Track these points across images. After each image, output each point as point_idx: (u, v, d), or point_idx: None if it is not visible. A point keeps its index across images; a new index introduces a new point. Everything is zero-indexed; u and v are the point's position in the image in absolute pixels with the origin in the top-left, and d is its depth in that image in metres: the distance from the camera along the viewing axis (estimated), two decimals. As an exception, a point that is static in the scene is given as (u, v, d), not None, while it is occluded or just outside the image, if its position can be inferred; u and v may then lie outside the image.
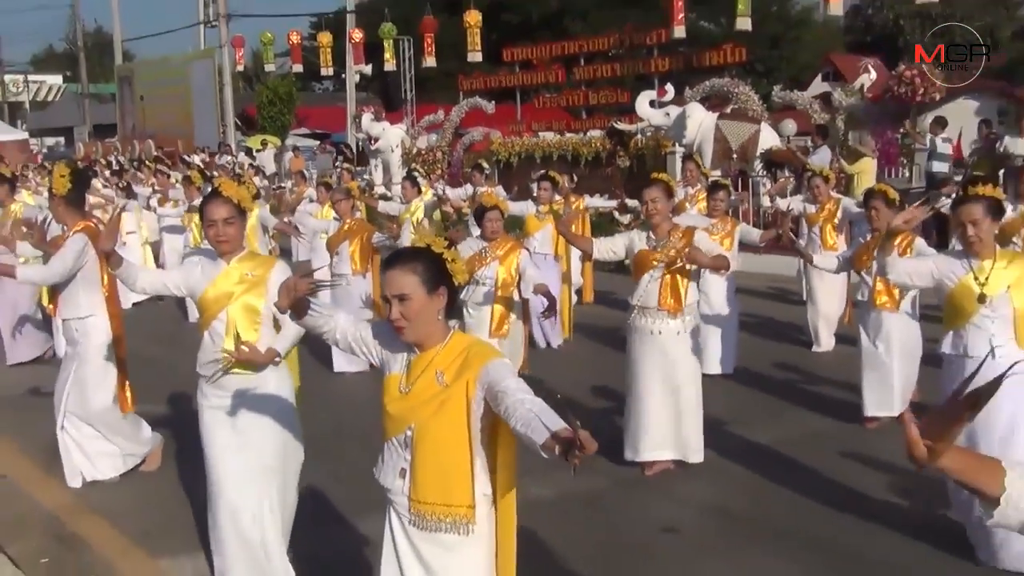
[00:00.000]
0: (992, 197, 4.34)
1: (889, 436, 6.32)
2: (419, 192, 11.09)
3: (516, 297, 6.45)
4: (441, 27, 24.32)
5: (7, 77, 47.19)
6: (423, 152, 19.81)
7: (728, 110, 14.74)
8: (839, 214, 8.47)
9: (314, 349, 8.17)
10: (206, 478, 4.33)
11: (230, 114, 32.09)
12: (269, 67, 32.14)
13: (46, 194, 8.76)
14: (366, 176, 20.36)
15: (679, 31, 17.07)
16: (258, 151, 27.44)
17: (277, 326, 4.25)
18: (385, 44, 25.68)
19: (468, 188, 12.32)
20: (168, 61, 35.98)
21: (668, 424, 5.68)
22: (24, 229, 6.98)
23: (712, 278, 7.57)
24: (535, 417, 2.42)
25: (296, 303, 2.98)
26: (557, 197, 9.76)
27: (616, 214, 12.53)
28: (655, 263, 5.55)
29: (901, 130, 14.80)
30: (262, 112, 32.32)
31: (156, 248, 12.60)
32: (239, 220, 4.18)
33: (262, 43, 31.63)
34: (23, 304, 9.11)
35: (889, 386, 6.43)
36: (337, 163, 23.09)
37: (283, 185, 18.82)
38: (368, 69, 27.76)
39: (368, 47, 26.94)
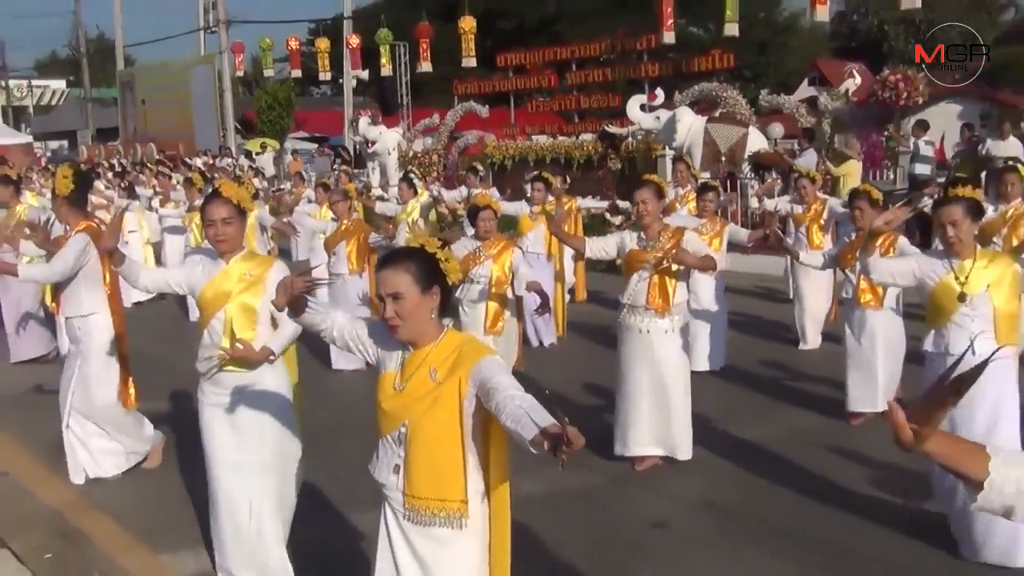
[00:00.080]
0: (971, 198, 4.34)
1: (873, 432, 6.34)
2: (415, 193, 11.08)
3: (510, 295, 6.46)
4: (436, 33, 24.33)
5: (12, 82, 47.03)
6: (419, 155, 19.79)
7: (717, 114, 14.75)
8: (825, 214, 8.48)
9: (312, 347, 8.15)
10: (207, 475, 4.33)
11: (230, 118, 32.09)
12: (268, 72, 32.10)
13: (49, 195, 8.77)
14: (363, 178, 20.34)
15: (669, 37, 17.08)
16: (257, 154, 27.40)
17: (275, 325, 4.24)
18: (382, 50, 25.69)
19: (463, 190, 12.29)
20: (169, 66, 35.93)
21: (656, 421, 5.68)
22: (27, 231, 6.98)
23: (701, 277, 7.57)
24: (524, 414, 2.42)
25: (293, 301, 2.98)
26: (550, 198, 9.76)
27: (607, 215, 12.53)
28: (644, 263, 5.55)
29: (885, 133, 14.84)
30: (261, 116, 32.32)
31: (157, 248, 12.57)
32: (238, 220, 4.17)
33: (261, 49, 31.58)
34: (26, 302, 9.09)
35: (873, 382, 6.45)
36: (335, 165, 23.08)
37: (282, 187, 18.78)
38: (365, 74, 27.78)
39: (365, 52, 26.93)
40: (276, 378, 4.25)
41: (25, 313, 9.12)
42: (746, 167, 13.82)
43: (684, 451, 5.75)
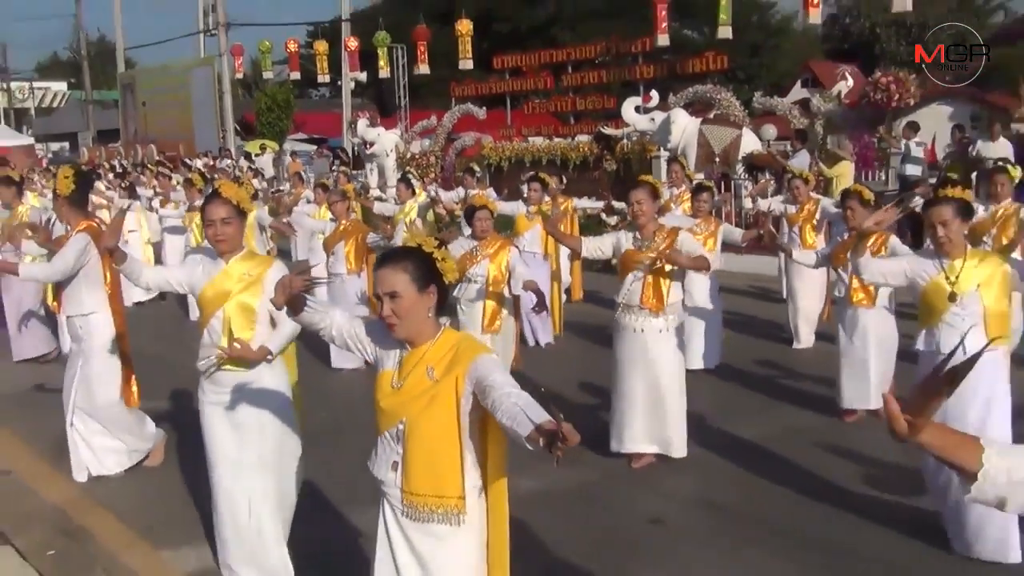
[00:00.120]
0: (961, 199, 4.34)
1: (866, 429, 6.36)
2: (413, 193, 11.08)
3: (507, 294, 6.46)
4: (434, 36, 24.31)
5: (13, 84, 46.97)
6: (417, 156, 19.76)
7: (711, 115, 14.74)
8: (818, 214, 8.49)
9: (313, 346, 8.15)
10: (208, 473, 4.33)
11: (229, 120, 32.03)
12: (267, 74, 32.05)
13: (51, 196, 8.75)
14: (361, 179, 20.32)
15: (663, 40, 17.08)
16: (257, 155, 27.39)
17: (275, 325, 4.24)
18: (380, 52, 25.66)
19: (460, 191, 12.29)
20: (169, 69, 35.87)
21: (651, 419, 5.68)
22: (29, 233, 6.98)
23: (696, 277, 7.57)
24: (520, 411, 2.42)
25: (292, 300, 2.98)
26: (546, 198, 9.77)
27: (603, 215, 12.53)
28: (639, 263, 5.55)
29: (877, 135, 14.85)
30: (261, 118, 32.27)
31: (158, 248, 12.56)
32: (237, 220, 4.17)
33: (260, 51, 31.54)
34: (27, 301, 9.08)
35: (866, 380, 6.46)
36: (334, 167, 23.05)
37: (281, 189, 18.77)
38: (363, 76, 27.75)
39: (363, 55, 26.90)
40: (275, 377, 4.24)
41: (27, 312, 9.11)
42: (740, 168, 13.83)
43: (678, 449, 5.75)
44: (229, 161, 25.39)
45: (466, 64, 21.62)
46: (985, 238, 7.07)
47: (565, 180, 13.22)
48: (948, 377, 1.83)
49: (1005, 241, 6.81)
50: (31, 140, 35.00)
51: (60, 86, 52.57)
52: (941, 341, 4.41)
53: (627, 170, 15.16)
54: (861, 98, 14.39)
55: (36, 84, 50.91)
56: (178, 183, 12.87)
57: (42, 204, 10.33)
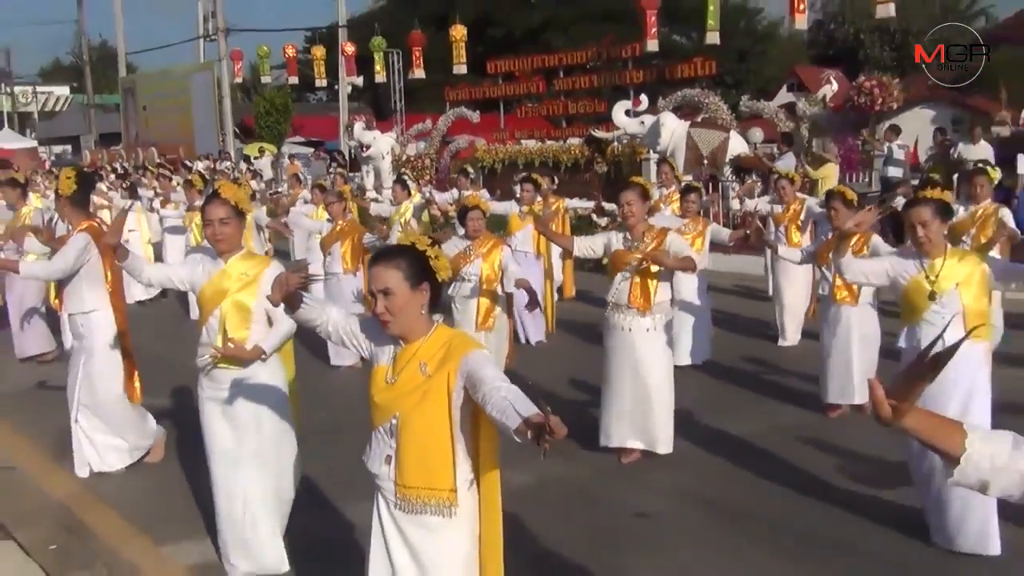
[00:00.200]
0: (940, 200, 4.35)
1: (850, 424, 6.38)
2: (408, 194, 11.06)
3: (500, 292, 6.46)
4: (429, 41, 24.32)
5: (17, 88, 46.73)
6: (412, 159, 19.74)
7: (699, 119, 14.77)
8: (803, 214, 8.51)
9: (311, 343, 8.14)
10: (207, 467, 4.32)
11: (229, 123, 31.99)
12: (266, 79, 32.05)
13: (52, 197, 8.73)
14: (358, 181, 20.31)
15: (652, 45, 17.13)
16: (256, 158, 27.34)
17: (272, 323, 4.23)
18: (376, 57, 25.65)
19: (454, 192, 12.28)
20: (169, 73, 35.81)
21: (637, 415, 5.68)
22: (30, 234, 6.97)
23: (685, 275, 7.58)
24: (509, 404, 2.43)
25: (289, 297, 2.97)
26: (538, 199, 9.77)
27: (594, 216, 12.53)
28: (628, 263, 5.56)
29: (861, 137, 14.89)
30: (259, 121, 32.22)
31: (158, 248, 12.53)
32: (235, 220, 4.17)
33: (259, 56, 31.54)
34: (29, 299, 9.05)
35: (849, 375, 6.48)
36: (331, 169, 23.01)
37: (279, 190, 18.74)
38: (360, 80, 27.70)
39: (360, 60, 26.90)
40: (270, 374, 4.23)
41: (28, 310, 9.08)
42: (727, 170, 13.85)
43: (664, 445, 5.73)
44: (228, 164, 25.33)
45: (460, 69, 21.63)
46: (965, 237, 7.09)
47: (557, 181, 13.24)
48: (932, 363, 1.84)
49: (984, 240, 6.83)
50: (34, 143, 34.92)
51: (63, 90, 52.33)
52: (922, 339, 4.40)
53: (617, 173, 15.16)
54: (845, 102, 14.44)
55: (39, 88, 50.63)
56: (178, 184, 12.84)
57: (45, 205, 10.30)
